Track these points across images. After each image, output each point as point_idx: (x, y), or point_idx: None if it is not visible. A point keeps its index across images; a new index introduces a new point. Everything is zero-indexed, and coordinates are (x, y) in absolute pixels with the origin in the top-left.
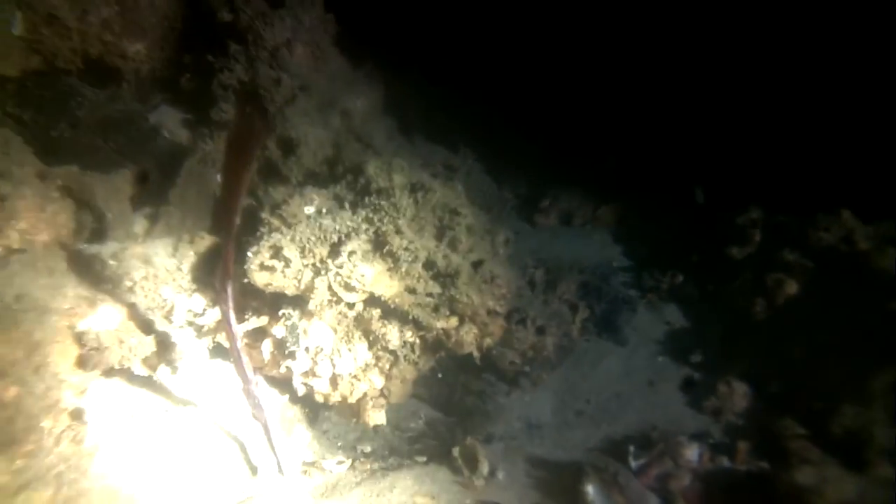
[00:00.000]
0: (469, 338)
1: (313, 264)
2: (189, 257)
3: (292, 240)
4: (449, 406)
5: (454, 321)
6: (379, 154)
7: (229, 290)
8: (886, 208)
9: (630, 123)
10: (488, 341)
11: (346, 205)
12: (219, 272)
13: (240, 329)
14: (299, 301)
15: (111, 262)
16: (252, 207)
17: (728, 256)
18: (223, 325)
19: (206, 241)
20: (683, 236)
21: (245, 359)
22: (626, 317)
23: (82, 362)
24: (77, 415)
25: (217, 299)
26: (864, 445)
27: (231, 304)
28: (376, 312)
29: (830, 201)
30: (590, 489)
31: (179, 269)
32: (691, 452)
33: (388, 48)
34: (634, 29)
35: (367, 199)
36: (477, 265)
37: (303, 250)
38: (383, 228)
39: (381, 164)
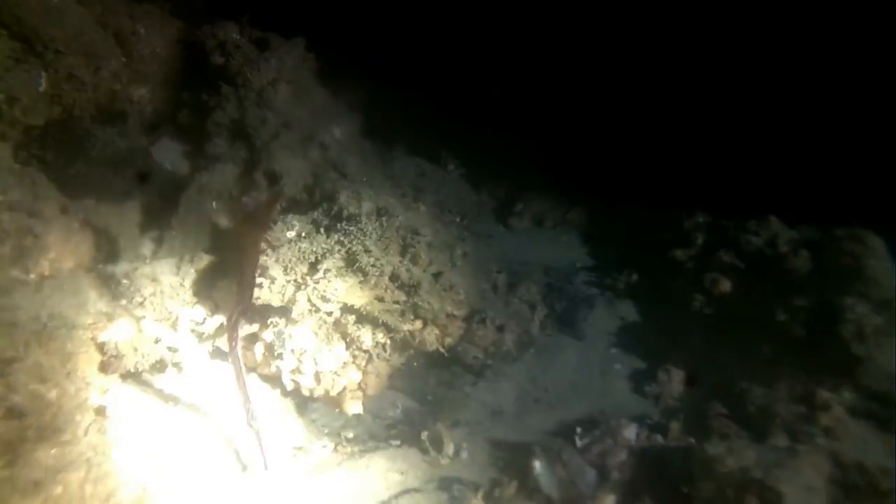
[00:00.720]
0: (431, 338)
1: (295, 280)
2: (190, 274)
3: (276, 260)
4: (423, 396)
5: (418, 324)
6: (352, 181)
7: (238, 336)
8: (813, 214)
9: (600, 130)
10: (449, 340)
11: (322, 229)
12: (231, 328)
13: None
14: (284, 311)
15: (124, 280)
16: None
17: (674, 257)
18: (232, 360)
19: (204, 260)
20: (641, 238)
21: (247, 383)
22: (583, 314)
23: (104, 368)
24: (101, 411)
25: (228, 341)
26: (767, 421)
27: (239, 346)
28: (351, 318)
29: (765, 207)
30: (537, 464)
31: (182, 285)
32: (630, 432)
33: (369, 67)
34: (604, 41)
35: (339, 225)
36: (437, 276)
37: (286, 269)
38: (353, 249)
39: (352, 192)
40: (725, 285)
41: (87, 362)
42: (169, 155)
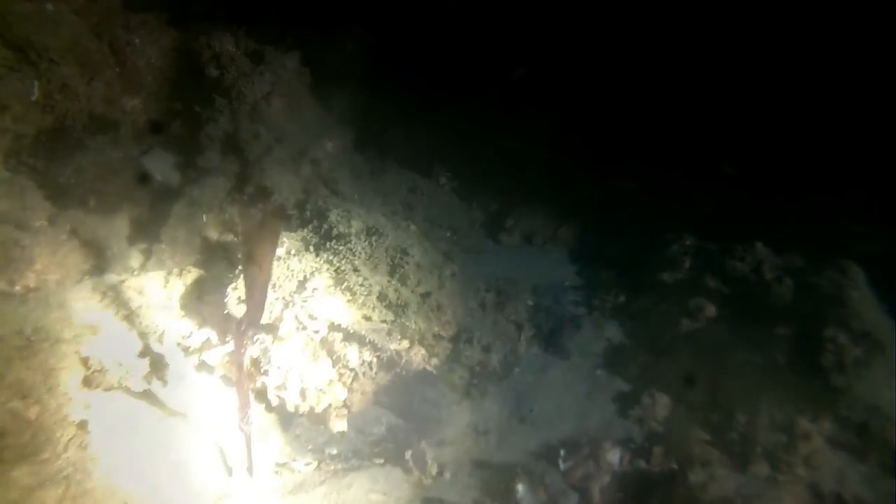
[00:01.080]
0: (418, 358)
1: (283, 298)
2: (178, 288)
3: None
4: (408, 413)
5: (405, 343)
6: (343, 199)
7: (247, 343)
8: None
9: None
10: (435, 361)
11: (311, 247)
12: (240, 336)
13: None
14: (272, 327)
15: (111, 293)
16: (230, 246)
17: (661, 280)
18: (237, 365)
19: (192, 274)
20: (630, 258)
21: (248, 387)
22: (570, 334)
23: (87, 382)
24: (82, 425)
25: (236, 347)
26: (749, 448)
27: (246, 356)
28: (338, 336)
29: (752, 232)
30: (520, 487)
31: (170, 299)
32: (613, 456)
33: (366, 79)
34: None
35: (328, 243)
36: (425, 296)
37: (274, 286)
38: (342, 268)
39: (342, 211)
40: (710, 310)
41: (70, 376)
42: (160, 166)
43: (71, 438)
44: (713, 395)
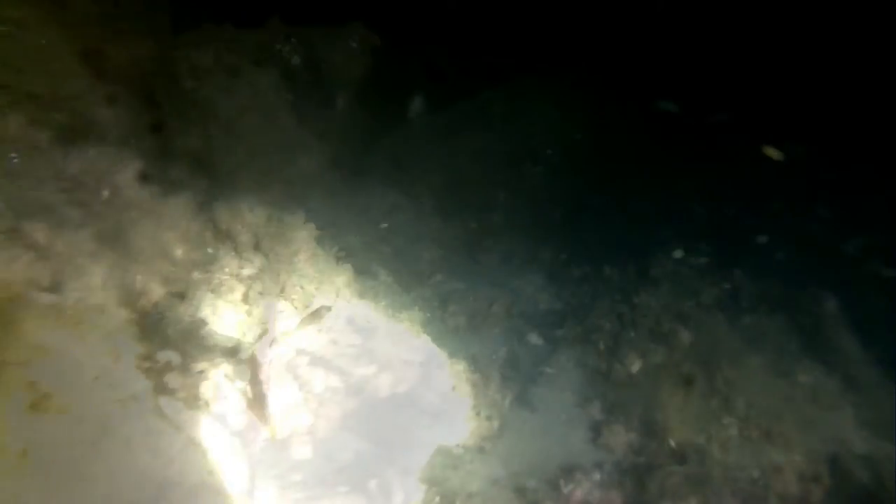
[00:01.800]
0: (385, 383)
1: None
2: (140, 308)
3: (227, 300)
4: (377, 438)
5: (373, 368)
6: (313, 218)
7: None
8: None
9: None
10: (403, 386)
11: (278, 269)
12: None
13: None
14: (234, 351)
15: (69, 312)
16: (198, 262)
17: (637, 304)
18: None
19: (155, 293)
20: (609, 281)
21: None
22: (544, 359)
23: (33, 407)
24: (23, 454)
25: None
26: (722, 482)
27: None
28: (304, 360)
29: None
30: None
31: (130, 319)
32: (581, 488)
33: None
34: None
35: (295, 265)
36: (394, 319)
37: (236, 308)
38: (308, 290)
39: (307, 234)
40: (685, 336)
41: (16, 402)
42: (129, 178)
43: (10, 469)
44: (687, 425)
